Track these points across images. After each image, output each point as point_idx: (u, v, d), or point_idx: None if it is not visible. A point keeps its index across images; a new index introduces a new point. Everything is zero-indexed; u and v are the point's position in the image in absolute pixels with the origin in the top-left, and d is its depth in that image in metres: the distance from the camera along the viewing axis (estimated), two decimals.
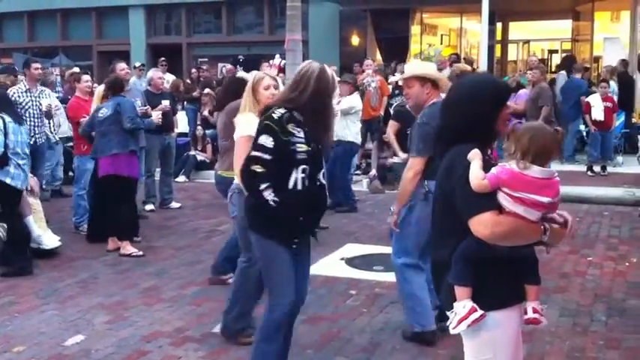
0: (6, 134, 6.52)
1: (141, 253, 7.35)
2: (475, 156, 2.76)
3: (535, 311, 2.87)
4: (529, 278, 2.88)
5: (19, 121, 6.77)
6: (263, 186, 3.78)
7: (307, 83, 3.89)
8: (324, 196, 4.04)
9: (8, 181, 6.57)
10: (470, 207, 2.74)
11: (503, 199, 2.70)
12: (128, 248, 7.37)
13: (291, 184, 3.82)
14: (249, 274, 4.89)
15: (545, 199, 2.69)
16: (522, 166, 2.68)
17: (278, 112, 3.83)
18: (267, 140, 3.78)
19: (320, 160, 4.01)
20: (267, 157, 3.77)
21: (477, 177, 2.71)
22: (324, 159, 4.12)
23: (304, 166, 3.84)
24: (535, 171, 2.68)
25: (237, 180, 4.69)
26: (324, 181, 4.01)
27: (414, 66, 5.43)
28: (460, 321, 2.79)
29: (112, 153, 7.35)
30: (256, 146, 3.81)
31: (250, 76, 5.36)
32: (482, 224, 2.70)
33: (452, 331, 2.85)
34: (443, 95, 5.27)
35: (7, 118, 6.58)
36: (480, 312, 2.77)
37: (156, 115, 7.53)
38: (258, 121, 3.95)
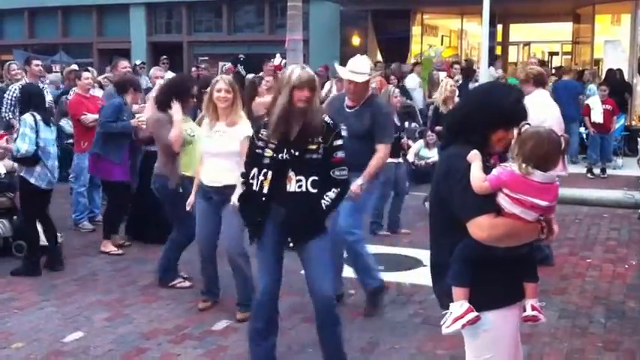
0: (37, 132, 6.47)
1: (120, 252, 7.36)
2: (475, 157, 2.77)
3: (534, 309, 2.89)
4: (527, 276, 2.90)
5: (47, 121, 6.71)
6: (242, 181, 4.26)
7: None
8: (303, 202, 4.01)
9: (32, 180, 6.53)
10: (467, 210, 2.76)
11: (502, 199, 2.72)
12: (108, 246, 7.40)
13: (249, 182, 4.15)
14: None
15: (544, 203, 2.72)
16: (525, 170, 2.69)
17: (264, 119, 4.22)
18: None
19: (299, 167, 4.00)
20: (245, 159, 4.29)
21: (478, 178, 2.73)
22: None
23: (265, 170, 4.06)
24: (537, 175, 2.70)
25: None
26: (312, 189, 4.00)
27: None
28: (455, 320, 2.82)
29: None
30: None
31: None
32: (479, 227, 2.72)
33: (445, 331, 2.88)
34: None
35: (38, 116, 6.55)
36: (475, 313, 2.79)
37: (135, 120, 7.39)
38: None
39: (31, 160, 6.46)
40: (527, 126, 2.83)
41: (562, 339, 5.05)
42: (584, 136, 13.59)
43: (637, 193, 10.03)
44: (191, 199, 5.57)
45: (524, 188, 2.70)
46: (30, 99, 6.69)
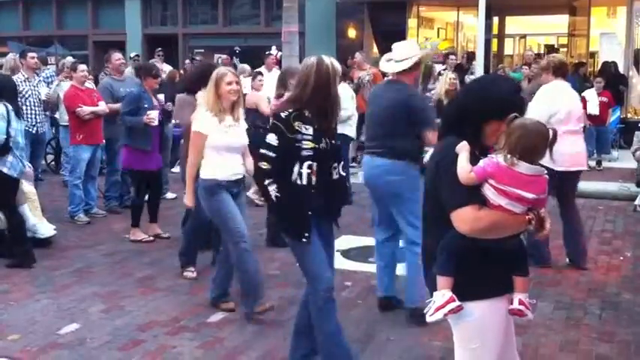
0: (9, 122, 6.49)
1: (151, 238, 7.65)
2: (462, 148, 2.78)
3: (521, 303, 2.88)
4: (516, 270, 2.91)
5: (18, 113, 6.73)
6: (267, 181, 4.00)
7: (308, 79, 4.07)
8: (342, 186, 4.26)
9: (5, 170, 6.53)
10: (451, 201, 2.78)
11: (487, 190, 2.73)
12: (136, 234, 7.68)
13: (292, 179, 3.99)
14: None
15: (530, 195, 2.72)
16: (510, 162, 2.69)
17: (286, 112, 4.03)
18: (272, 139, 3.99)
19: (335, 154, 4.17)
20: (271, 154, 3.98)
21: (464, 169, 2.74)
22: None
23: (310, 162, 4.00)
24: (522, 167, 2.70)
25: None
26: (343, 173, 4.23)
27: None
28: (437, 309, 2.85)
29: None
30: (264, 144, 4.01)
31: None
32: (461, 219, 2.74)
33: (428, 319, 2.91)
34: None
35: (10, 107, 6.56)
36: (457, 302, 2.81)
37: (146, 117, 7.42)
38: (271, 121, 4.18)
39: (2, 149, 6.47)
40: (516, 117, 2.83)
41: (557, 330, 5.07)
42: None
43: (632, 186, 10.05)
44: (191, 198, 5.43)
45: (510, 180, 2.70)
46: (2, 91, 6.72)
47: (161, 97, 8.09)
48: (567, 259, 6.65)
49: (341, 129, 9.35)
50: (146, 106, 7.48)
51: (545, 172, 2.79)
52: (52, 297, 5.80)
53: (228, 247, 5.35)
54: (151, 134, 7.50)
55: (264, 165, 4.00)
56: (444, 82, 8.82)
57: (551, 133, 2.76)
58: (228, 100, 5.24)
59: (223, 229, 5.34)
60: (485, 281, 2.85)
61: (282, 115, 4.03)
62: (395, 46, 5.42)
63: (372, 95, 5.60)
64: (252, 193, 9.00)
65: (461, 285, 2.83)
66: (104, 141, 8.81)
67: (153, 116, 7.41)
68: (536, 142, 2.72)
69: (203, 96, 5.80)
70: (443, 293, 2.84)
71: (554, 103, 6.24)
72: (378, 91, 5.55)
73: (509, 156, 2.70)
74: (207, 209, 5.33)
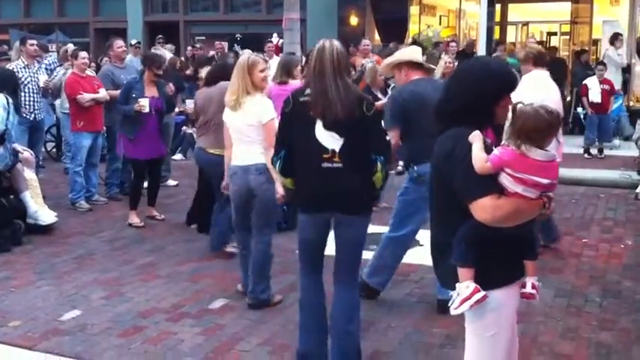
0: (8, 113, 6.51)
1: (142, 224, 7.65)
2: (476, 138, 2.77)
3: (533, 287, 2.93)
4: (527, 254, 2.93)
5: (17, 106, 6.77)
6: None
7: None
8: None
9: None
10: (470, 191, 2.76)
11: (504, 179, 2.73)
12: (132, 218, 7.71)
13: None
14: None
15: (545, 181, 2.73)
16: (524, 148, 2.70)
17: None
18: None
19: None
20: None
21: (480, 159, 2.73)
22: None
23: None
24: (537, 154, 2.71)
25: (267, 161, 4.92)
26: None
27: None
28: (463, 301, 2.82)
29: None
30: (385, 131, 4.25)
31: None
32: (482, 209, 2.73)
33: (453, 312, 2.88)
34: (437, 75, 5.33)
35: (10, 99, 6.59)
36: (482, 293, 2.80)
37: (137, 105, 7.42)
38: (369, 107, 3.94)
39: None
40: (520, 105, 2.81)
41: (557, 318, 5.07)
42: (582, 116, 13.58)
43: (634, 174, 10.04)
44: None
45: (526, 167, 2.70)
46: (5, 84, 6.74)
47: (190, 103, 8.00)
48: (541, 242, 6.53)
49: None
50: (134, 95, 7.47)
51: (556, 156, 2.80)
52: (53, 283, 5.81)
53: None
54: (140, 123, 7.49)
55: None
56: (440, 66, 8.81)
57: (553, 116, 2.74)
58: (261, 87, 5.12)
59: (271, 219, 5.31)
60: (503, 268, 2.86)
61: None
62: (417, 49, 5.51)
63: (427, 97, 4.78)
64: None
65: (482, 274, 2.82)
66: (105, 128, 8.81)
67: (143, 103, 7.40)
68: (538, 128, 2.71)
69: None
70: (467, 285, 2.82)
71: (537, 92, 6.24)
72: (430, 91, 4.81)
73: (519, 142, 2.71)
74: (272, 196, 5.11)
